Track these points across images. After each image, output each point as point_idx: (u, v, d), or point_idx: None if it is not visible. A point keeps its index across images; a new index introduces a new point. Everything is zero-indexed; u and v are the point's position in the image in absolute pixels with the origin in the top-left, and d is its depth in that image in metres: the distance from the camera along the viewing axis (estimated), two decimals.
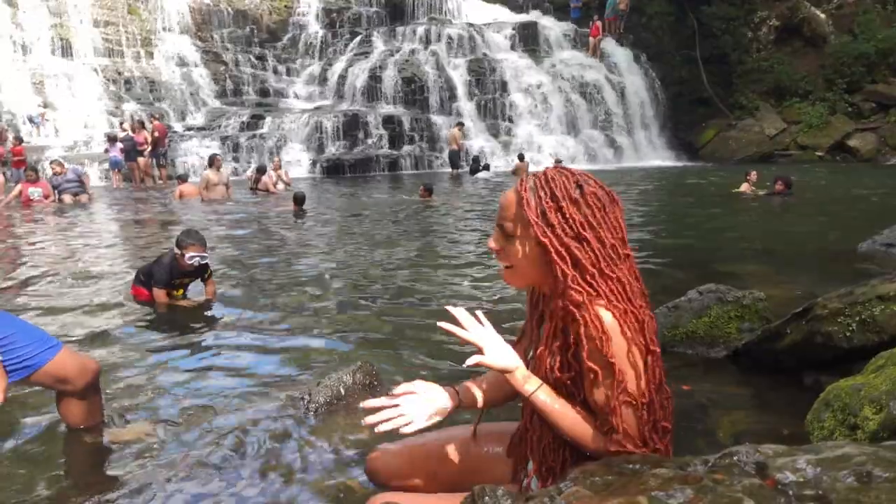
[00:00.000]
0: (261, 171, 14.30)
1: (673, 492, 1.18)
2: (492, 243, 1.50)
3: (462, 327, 1.49)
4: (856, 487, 1.10)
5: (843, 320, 2.61)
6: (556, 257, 1.38)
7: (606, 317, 1.35)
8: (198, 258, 4.48)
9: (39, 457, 2.47)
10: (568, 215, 1.38)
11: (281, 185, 14.21)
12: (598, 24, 23.85)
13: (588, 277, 1.37)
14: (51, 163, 13.50)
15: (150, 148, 16.89)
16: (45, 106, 18.68)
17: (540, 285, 1.50)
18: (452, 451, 1.74)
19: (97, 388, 2.56)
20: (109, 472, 2.38)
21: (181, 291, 4.78)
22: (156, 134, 16.87)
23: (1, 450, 2.54)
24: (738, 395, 2.78)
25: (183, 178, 13.88)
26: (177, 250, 4.51)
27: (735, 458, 1.27)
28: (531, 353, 1.57)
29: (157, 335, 4.06)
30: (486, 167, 18.42)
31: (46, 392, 3.04)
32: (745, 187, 11.85)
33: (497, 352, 1.47)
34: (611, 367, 1.35)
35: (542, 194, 1.40)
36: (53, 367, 2.33)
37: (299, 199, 10.41)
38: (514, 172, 18.05)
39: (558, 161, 18.18)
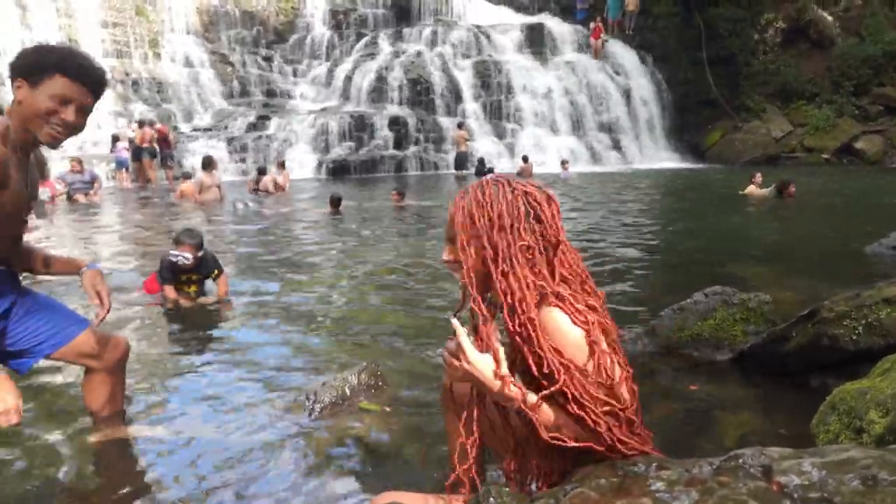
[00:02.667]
0: (261, 171, 14.32)
1: (678, 494, 1.19)
2: (445, 255, 1.59)
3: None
4: (861, 491, 1.10)
5: (849, 323, 2.61)
6: (480, 260, 1.50)
7: (546, 313, 1.45)
8: (181, 257, 4.54)
9: (52, 448, 2.49)
10: (488, 217, 1.49)
11: (279, 181, 14.23)
12: (600, 25, 23.81)
13: (499, 281, 1.47)
14: (71, 160, 13.61)
15: (149, 146, 16.74)
16: None
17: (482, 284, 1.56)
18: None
19: (123, 370, 2.58)
20: (117, 468, 2.40)
21: (194, 288, 4.82)
22: (166, 134, 16.75)
23: (18, 439, 2.56)
24: (743, 398, 2.78)
25: (187, 176, 13.76)
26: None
27: (740, 460, 1.28)
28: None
29: (164, 333, 4.09)
30: (491, 170, 18.43)
31: (66, 383, 3.07)
32: (750, 189, 11.82)
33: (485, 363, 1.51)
34: (545, 359, 1.43)
35: (475, 201, 1.52)
36: (83, 342, 2.35)
37: (335, 201, 10.19)
38: (520, 174, 18.06)
39: (564, 163, 18.18)
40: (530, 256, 1.48)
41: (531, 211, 1.50)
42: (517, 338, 1.46)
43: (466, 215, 1.52)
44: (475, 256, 1.51)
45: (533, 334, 1.43)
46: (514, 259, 1.47)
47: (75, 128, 2.05)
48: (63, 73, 2.00)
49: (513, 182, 1.54)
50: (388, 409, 2.80)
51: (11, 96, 2.04)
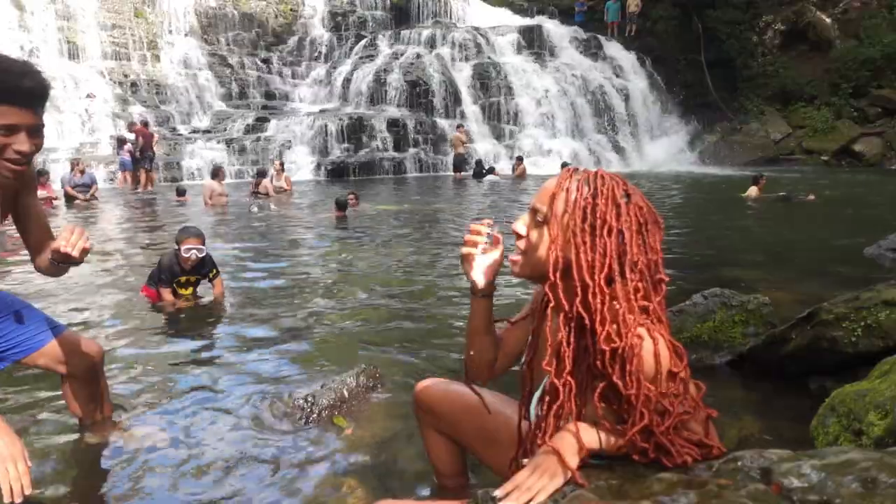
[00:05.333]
0: (261, 174, 14.40)
1: (677, 496, 1.18)
2: (519, 227, 1.43)
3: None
4: (860, 493, 1.10)
5: (848, 325, 2.60)
6: (581, 259, 1.33)
7: (630, 336, 1.30)
8: (194, 251, 4.53)
9: (43, 452, 2.48)
10: (605, 219, 1.33)
11: (281, 183, 14.31)
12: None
13: (604, 288, 1.32)
14: (76, 162, 13.64)
15: (136, 152, 16.45)
16: (89, 95, 19.00)
17: (550, 282, 1.41)
18: (478, 410, 1.79)
19: (98, 375, 2.53)
20: (113, 472, 2.39)
21: (190, 290, 4.82)
22: (140, 139, 16.23)
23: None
24: (742, 400, 2.77)
25: (181, 193, 13.31)
26: (175, 246, 4.59)
27: (740, 463, 1.27)
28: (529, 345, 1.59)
29: (162, 336, 4.08)
30: (492, 170, 18.44)
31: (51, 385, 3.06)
32: (753, 191, 11.82)
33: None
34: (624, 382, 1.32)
35: (585, 190, 1.35)
36: (51, 349, 2.31)
37: (342, 205, 10.05)
38: (514, 175, 18.13)
39: (565, 165, 18.20)
40: (639, 275, 1.33)
41: (642, 227, 1.35)
42: (600, 353, 1.33)
43: (575, 202, 1.34)
44: (565, 247, 1.35)
45: (627, 353, 1.30)
46: (625, 271, 1.32)
47: (33, 153, 1.87)
48: (5, 102, 1.78)
49: (629, 188, 1.38)
50: (353, 431, 2.66)
51: None
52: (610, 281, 1.32)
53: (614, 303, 1.32)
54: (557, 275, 1.36)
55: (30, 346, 2.28)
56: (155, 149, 16.68)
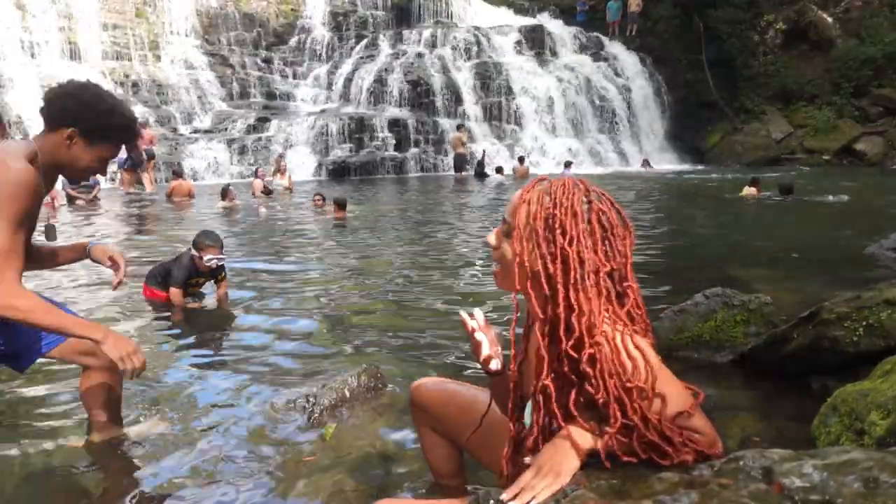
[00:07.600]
0: (256, 175, 14.49)
1: (678, 496, 1.18)
2: (491, 238, 1.45)
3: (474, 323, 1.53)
4: (862, 493, 1.10)
5: (849, 325, 2.60)
6: (546, 269, 1.34)
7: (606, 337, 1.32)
8: (215, 260, 4.52)
9: (50, 448, 2.48)
10: (564, 228, 1.33)
11: (283, 182, 14.35)
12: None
13: (569, 296, 1.33)
14: None
15: (148, 147, 16.42)
16: None
17: (524, 292, 1.42)
18: (472, 409, 1.78)
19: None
20: (115, 468, 2.39)
21: (198, 289, 4.83)
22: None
23: (17, 442, 2.56)
24: (744, 400, 2.77)
25: (178, 174, 13.43)
26: (194, 252, 4.55)
27: (741, 462, 1.27)
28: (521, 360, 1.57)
29: (166, 335, 4.08)
30: (499, 170, 18.39)
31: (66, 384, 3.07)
32: (748, 191, 11.82)
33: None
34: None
35: (546, 200, 1.36)
36: (78, 341, 2.30)
37: (342, 204, 9.97)
38: (515, 175, 18.14)
39: (567, 164, 18.19)
40: (601, 281, 1.34)
41: (606, 233, 1.36)
42: (569, 360, 1.34)
43: (535, 213, 1.36)
44: (530, 258, 1.36)
45: (598, 358, 1.31)
46: (585, 278, 1.32)
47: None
48: (120, 143, 2.14)
49: (593, 193, 1.38)
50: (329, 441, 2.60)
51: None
52: (575, 289, 1.33)
53: (580, 311, 1.32)
54: (528, 284, 1.38)
55: (54, 338, 2.30)
56: (143, 149, 16.49)
